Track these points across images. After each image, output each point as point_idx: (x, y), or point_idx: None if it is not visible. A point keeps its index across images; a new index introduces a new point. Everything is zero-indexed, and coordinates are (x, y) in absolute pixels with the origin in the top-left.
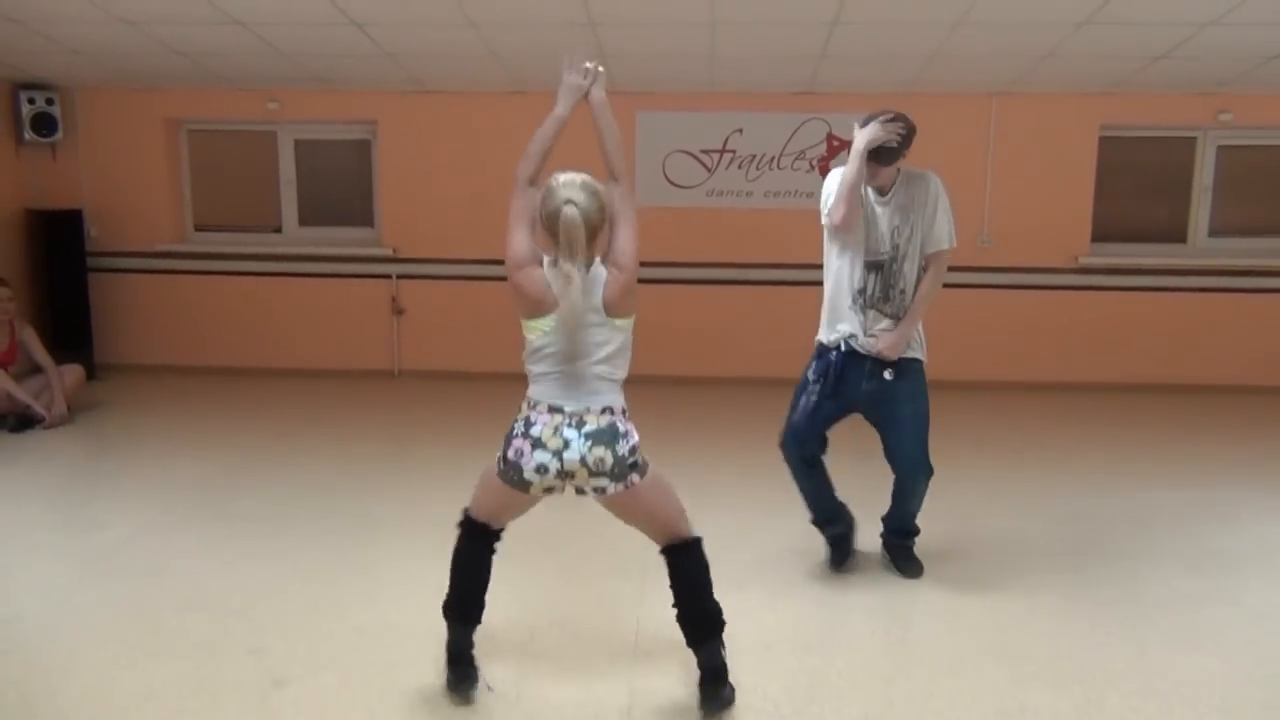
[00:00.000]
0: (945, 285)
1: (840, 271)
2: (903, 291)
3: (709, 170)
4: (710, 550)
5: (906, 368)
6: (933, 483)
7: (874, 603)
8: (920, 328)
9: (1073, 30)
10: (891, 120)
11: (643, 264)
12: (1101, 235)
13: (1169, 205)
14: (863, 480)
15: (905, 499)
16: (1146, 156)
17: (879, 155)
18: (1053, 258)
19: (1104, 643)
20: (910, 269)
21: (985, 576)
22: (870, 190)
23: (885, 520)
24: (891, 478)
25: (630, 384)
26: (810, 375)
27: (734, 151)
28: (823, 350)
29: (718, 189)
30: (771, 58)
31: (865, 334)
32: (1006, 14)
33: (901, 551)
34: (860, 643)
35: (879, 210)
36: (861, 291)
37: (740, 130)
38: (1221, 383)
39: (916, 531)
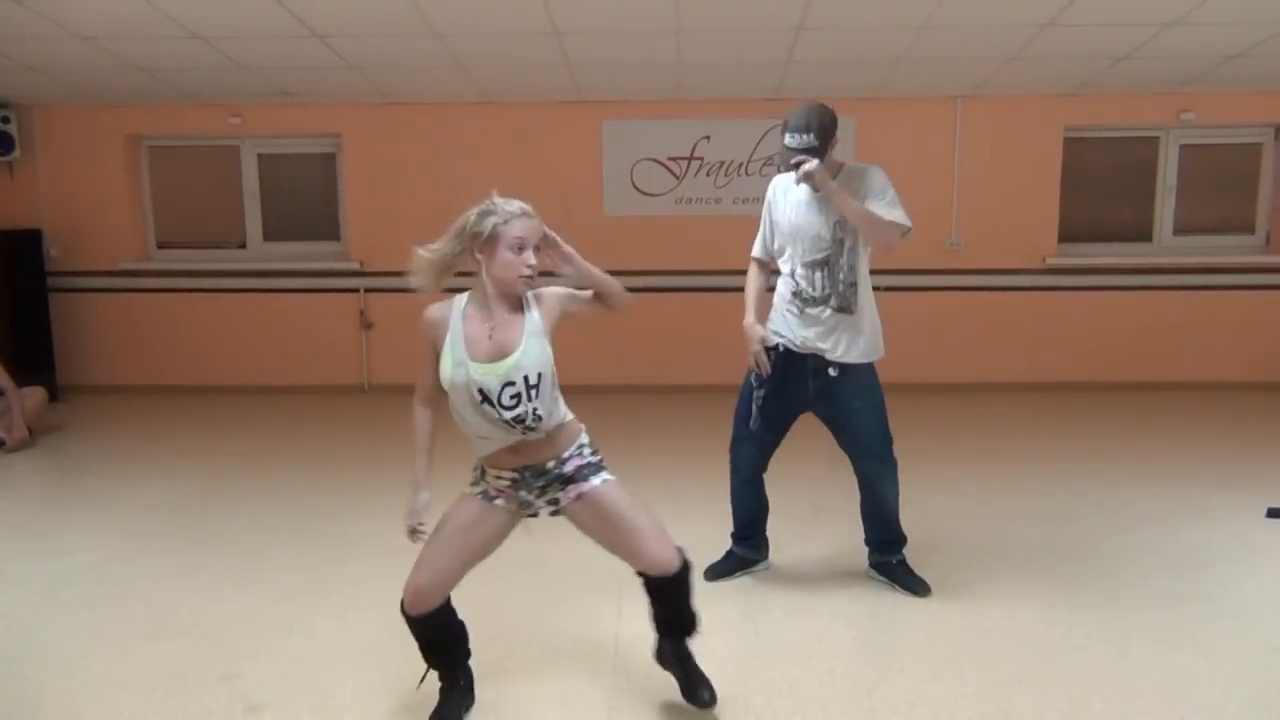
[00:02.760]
0: (914, 288)
1: (782, 274)
2: (851, 284)
3: (677, 178)
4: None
5: (852, 370)
6: (906, 487)
7: (853, 610)
8: (876, 328)
9: (1036, 32)
10: (795, 139)
11: (614, 272)
12: (1068, 235)
13: (1134, 205)
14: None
15: (874, 500)
16: (1111, 157)
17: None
18: (1021, 259)
19: (1084, 644)
20: (855, 259)
21: (963, 581)
22: (804, 188)
23: (867, 537)
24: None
25: (600, 393)
26: (753, 379)
27: (702, 158)
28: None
29: (686, 196)
30: (738, 64)
31: (799, 338)
32: (970, 17)
33: (899, 570)
34: (841, 651)
35: (815, 206)
36: (797, 294)
37: (708, 137)
38: (1190, 379)
39: (903, 540)
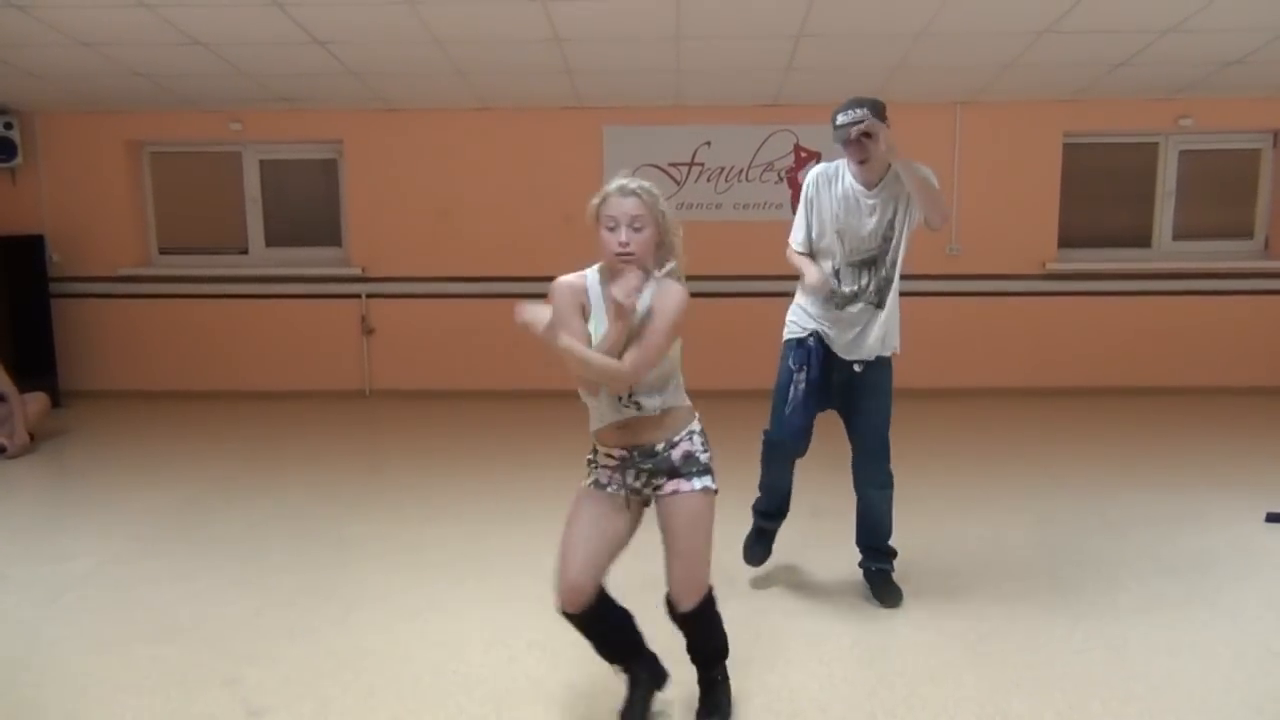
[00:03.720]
0: (915, 293)
1: (827, 273)
2: (888, 280)
3: (678, 183)
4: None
5: (874, 363)
6: (907, 490)
7: (852, 614)
8: (896, 327)
9: (1034, 39)
10: (848, 114)
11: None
12: (1068, 241)
13: (1133, 210)
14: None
15: (867, 507)
16: (1110, 162)
17: (850, 149)
18: (1021, 264)
19: (1082, 648)
20: (898, 256)
21: (962, 584)
22: (856, 186)
23: (859, 540)
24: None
25: None
26: (793, 364)
27: (703, 164)
28: (798, 342)
29: (687, 202)
30: (738, 71)
31: (837, 333)
32: (969, 24)
33: (879, 577)
34: (840, 655)
35: (866, 206)
36: (835, 294)
37: (708, 143)
38: (1189, 384)
39: (893, 553)
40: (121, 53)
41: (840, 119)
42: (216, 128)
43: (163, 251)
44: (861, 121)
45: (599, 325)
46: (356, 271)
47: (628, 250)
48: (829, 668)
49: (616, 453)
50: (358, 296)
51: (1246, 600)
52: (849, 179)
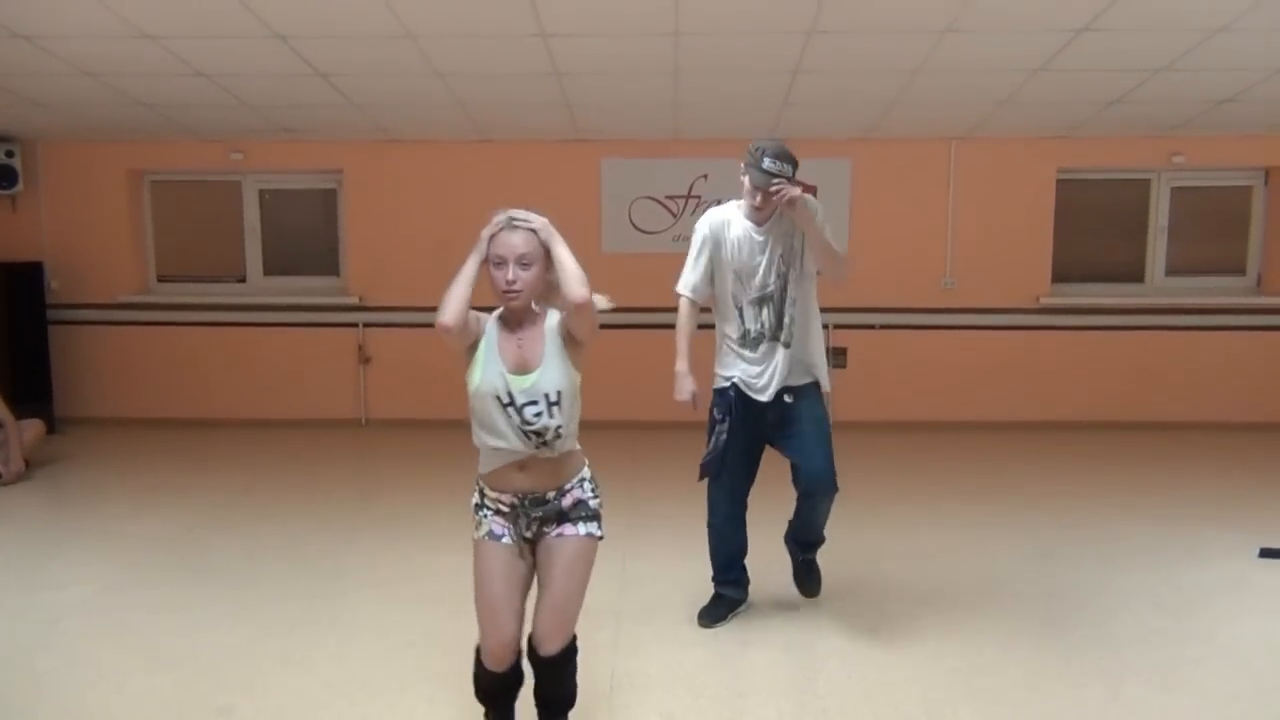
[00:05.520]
0: (909, 327)
1: (724, 316)
2: (793, 319)
3: (675, 216)
4: (681, 595)
5: (805, 390)
6: (900, 525)
7: (848, 649)
8: (822, 359)
9: (1029, 77)
10: (775, 164)
11: (611, 310)
12: (1061, 276)
13: (1126, 246)
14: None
15: (809, 515)
16: (1103, 198)
17: (761, 196)
18: (1014, 298)
19: (1078, 683)
20: (801, 290)
21: (956, 618)
22: (747, 224)
23: (789, 536)
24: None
25: (598, 429)
26: (716, 414)
27: (699, 197)
28: (721, 390)
29: (684, 234)
30: (735, 105)
31: (751, 377)
32: (964, 61)
33: (803, 566)
34: (836, 688)
35: (757, 244)
36: (745, 335)
37: (705, 176)
38: (1182, 419)
39: (821, 540)
40: (125, 83)
41: (770, 164)
42: (217, 157)
43: (161, 279)
44: (785, 185)
45: (489, 354)
46: (354, 301)
47: (514, 288)
48: (824, 702)
49: (506, 499)
50: (355, 326)
51: (1241, 636)
52: (740, 219)
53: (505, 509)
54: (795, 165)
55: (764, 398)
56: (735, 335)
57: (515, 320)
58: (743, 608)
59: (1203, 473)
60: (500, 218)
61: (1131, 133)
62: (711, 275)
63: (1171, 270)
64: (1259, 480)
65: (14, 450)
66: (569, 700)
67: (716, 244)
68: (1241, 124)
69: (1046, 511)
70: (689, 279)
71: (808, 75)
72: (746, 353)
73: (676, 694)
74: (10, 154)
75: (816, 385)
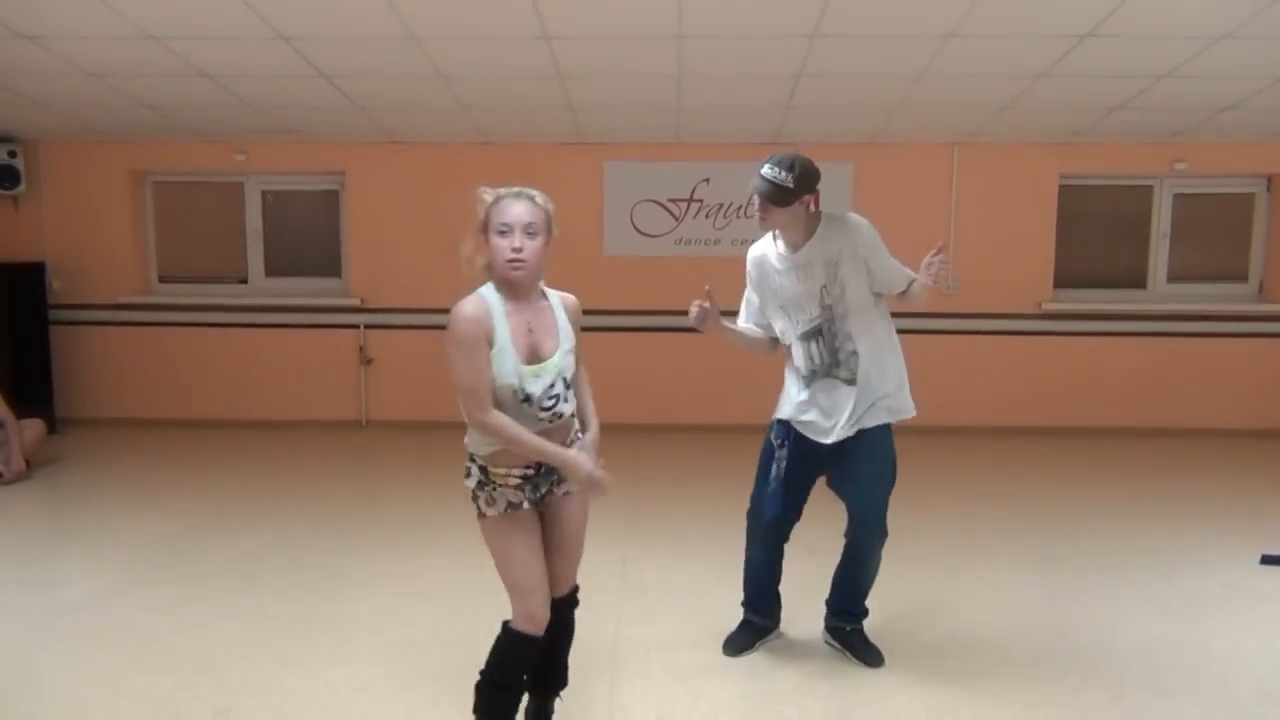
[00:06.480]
0: (911, 331)
1: (786, 353)
2: (854, 353)
3: (677, 219)
4: (682, 596)
5: (867, 430)
6: (900, 529)
7: (843, 664)
8: (901, 386)
9: (1032, 82)
10: (771, 173)
11: (613, 313)
12: (1064, 281)
13: (1128, 252)
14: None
15: (855, 567)
16: (1105, 204)
17: (769, 197)
18: (1017, 304)
19: (1079, 689)
20: (856, 324)
21: (959, 623)
22: (780, 250)
23: (831, 599)
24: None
25: (603, 432)
26: (774, 440)
27: (701, 200)
28: (782, 420)
29: (686, 237)
30: (738, 109)
31: (812, 418)
32: (968, 66)
33: (855, 638)
34: (834, 693)
35: (793, 270)
36: (799, 370)
37: (708, 180)
38: (1183, 425)
39: (864, 613)
40: (128, 84)
41: (765, 169)
42: (220, 158)
43: (163, 280)
44: (763, 192)
45: (504, 351)
46: (355, 302)
47: (520, 257)
48: (824, 704)
49: (518, 472)
50: (356, 327)
51: (1241, 642)
52: (774, 247)
53: (517, 481)
54: (802, 175)
55: (827, 440)
56: (798, 371)
57: (517, 295)
58: (772, 636)
59: (1204, 479)
60: (493, 191)
61: (1134, 139)
62: (764, 310)
63: (1173, 277)
64: (1260, 486)
65: (15, 450)
66: (563, 677)
67: (761, 276)
68: (1244, 131)
69: (1046, 517)
70: (742, 314)
71: (811, 79)
72: (807, 393)
73: (677, 695)
74: (12, 154)
75: (884, 430)
